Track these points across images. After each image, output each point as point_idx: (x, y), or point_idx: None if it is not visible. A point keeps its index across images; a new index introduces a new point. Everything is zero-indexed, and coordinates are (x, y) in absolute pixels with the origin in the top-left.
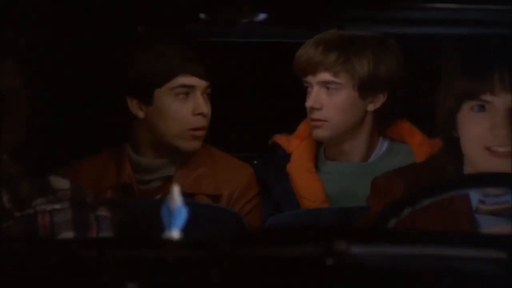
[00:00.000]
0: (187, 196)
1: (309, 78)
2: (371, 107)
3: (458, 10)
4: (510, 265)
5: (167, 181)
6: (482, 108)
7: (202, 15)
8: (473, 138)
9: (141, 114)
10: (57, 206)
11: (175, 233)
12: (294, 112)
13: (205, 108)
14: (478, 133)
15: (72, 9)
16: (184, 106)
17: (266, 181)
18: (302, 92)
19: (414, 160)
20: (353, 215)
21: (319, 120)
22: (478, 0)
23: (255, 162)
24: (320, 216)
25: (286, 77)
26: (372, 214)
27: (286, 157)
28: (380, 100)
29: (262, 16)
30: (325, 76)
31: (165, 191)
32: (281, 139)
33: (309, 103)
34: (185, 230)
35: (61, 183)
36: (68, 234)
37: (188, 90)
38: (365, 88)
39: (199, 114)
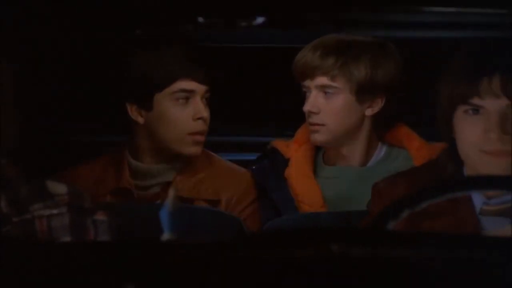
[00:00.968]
0: (186, 201)
1: (307, 82)
2: (369, 112)
3: (455, 14)
4: (510, 266)
5: (166, 187)
6: (476, 111)
7: (201, 19)
8: (468, 141)
9: (141, 120)
10: (54, 211)
11: (173, 237)
12: (293, 116)
13: (205, 112)
14: (472, 136)
15: (72, 14)
16: (184, 111)
17: (264, 186)
18: (301, 97)
19: (412, 165)
20: (352, 220)
21: (316, 124)
22: (474, 3)
23: (254, 167)
24: (319, 220)
25: (285, 81)
26: (372, 218)
27: (285, 162)
28: (378, 104)
29: (260, 20)
30: (322, 80)
31: (164, 197)
32: (279, 144)
33: (306, 107)
34: (184, 234)
35: (59, 188)
36: (66, 239)
37: (188, 94)
38: (362, 93)
39: (199, 118)
